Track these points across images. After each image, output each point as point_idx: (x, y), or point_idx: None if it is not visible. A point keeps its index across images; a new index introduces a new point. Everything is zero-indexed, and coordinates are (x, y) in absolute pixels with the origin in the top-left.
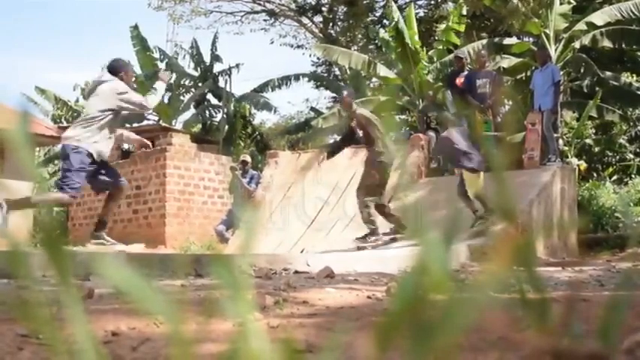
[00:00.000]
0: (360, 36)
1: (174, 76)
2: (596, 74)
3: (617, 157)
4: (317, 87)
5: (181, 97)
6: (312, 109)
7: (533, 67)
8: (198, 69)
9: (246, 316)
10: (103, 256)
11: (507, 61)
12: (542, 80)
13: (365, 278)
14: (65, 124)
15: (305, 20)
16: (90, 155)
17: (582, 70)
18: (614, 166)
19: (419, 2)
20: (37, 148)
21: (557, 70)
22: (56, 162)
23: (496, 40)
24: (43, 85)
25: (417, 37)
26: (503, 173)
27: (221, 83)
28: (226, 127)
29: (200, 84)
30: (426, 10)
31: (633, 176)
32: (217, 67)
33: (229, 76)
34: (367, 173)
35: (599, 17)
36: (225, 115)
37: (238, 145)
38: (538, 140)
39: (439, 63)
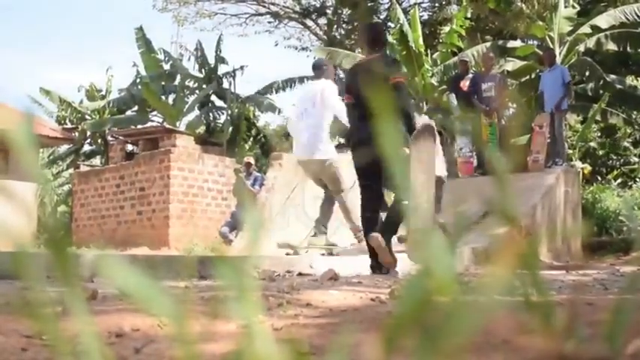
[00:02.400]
0: None
1: (178, 77)
2: (600, 77)
3: (622, 161)
4: None
5: (185, 99)
6: None
7: (538, 70)
8: (203, 71)
9: (251, 317)
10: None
11: (512, 64)
12: (552, 81)
13: (368, 281)
14: (70, 125)
15: (309, 22)
16: None
17: (587, 74)
18: (619, 170)
19: (423, 5)
20: (41, 149)
21: (567, 71)
22: (60, 163)
23: (500, 42)
24: (47, 87)
25: (421, 40)
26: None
27: (225, 85)
28: (230, 128)
29: (204, 86)
30: (430, 13)
31: (637, 179)
32: (222, 69)
33: (233, 78)
34: None
35: (603, 20)
36: (229, 117)
37: (242, 147)
38: (544, 143)
39: (443, 66)
